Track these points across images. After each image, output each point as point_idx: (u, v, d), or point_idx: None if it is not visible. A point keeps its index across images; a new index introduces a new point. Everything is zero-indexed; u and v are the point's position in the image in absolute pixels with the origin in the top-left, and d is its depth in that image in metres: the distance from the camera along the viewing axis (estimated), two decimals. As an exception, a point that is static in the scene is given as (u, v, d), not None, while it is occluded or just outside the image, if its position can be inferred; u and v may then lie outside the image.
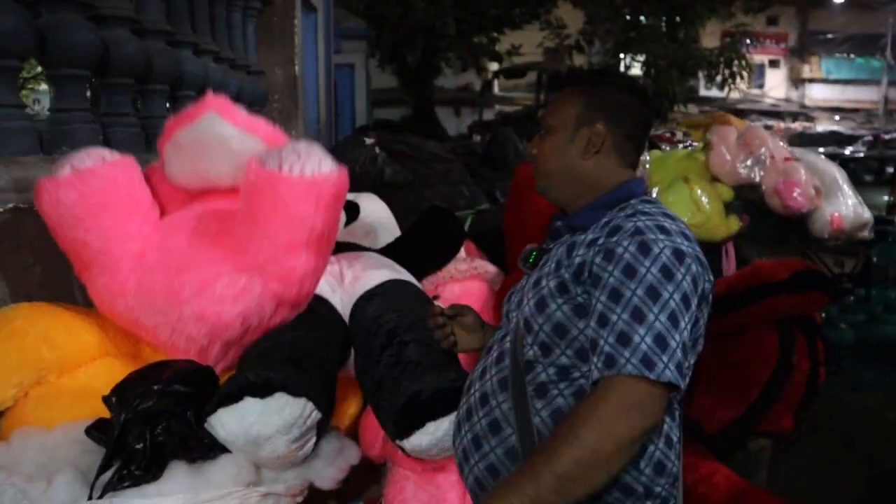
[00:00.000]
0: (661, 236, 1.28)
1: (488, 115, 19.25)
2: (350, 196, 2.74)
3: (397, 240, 2.37)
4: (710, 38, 16.09)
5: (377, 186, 4.45)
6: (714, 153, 2.52)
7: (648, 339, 1.20)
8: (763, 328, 2.26)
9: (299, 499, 1.81)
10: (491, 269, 2.74)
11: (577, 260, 1.32)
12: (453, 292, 2.60)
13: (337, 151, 4.56)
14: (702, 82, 16.47)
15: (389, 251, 2.31)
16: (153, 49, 2.66)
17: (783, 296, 2.20)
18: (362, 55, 11.12)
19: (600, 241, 1.31)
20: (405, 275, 2.10)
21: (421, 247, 2.37)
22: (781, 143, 2.66)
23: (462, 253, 2.86)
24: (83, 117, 2.30)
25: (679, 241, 1.29)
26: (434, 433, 1.56)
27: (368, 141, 4.64)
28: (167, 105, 2.97)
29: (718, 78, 13.92)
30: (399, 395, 1.61)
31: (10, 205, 1.87)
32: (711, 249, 2.61)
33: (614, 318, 1.23)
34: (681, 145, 2.70)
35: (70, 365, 1.81)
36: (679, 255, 1.27)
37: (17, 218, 1.88)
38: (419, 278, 2.45)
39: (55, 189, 1.68)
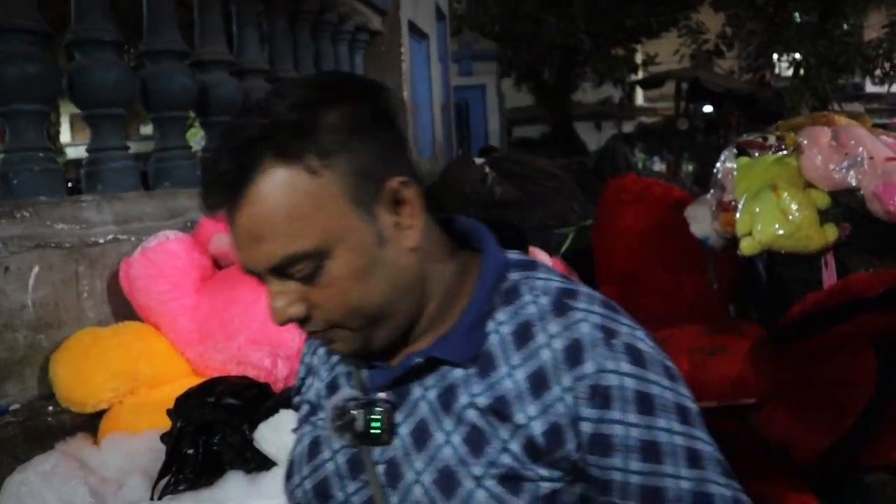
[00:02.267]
0: (626, 325, 0.81)
1: (629, 127, 18.86)
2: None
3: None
4: (874, 30, 14.93)
5: (489, 206, 4.53)
6: (805, 157, 2.35)
7: (721, 480, 0.80)
8: (859, 350, 2.08)
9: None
10: (577, 286, 2.72)
11: (538, 425, 0.77)
12: (537, 310, 2.61)
13: (448, 173, 4.69)
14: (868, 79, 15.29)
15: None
16: (252, 87, 2.87)
17: (878, 313, 2.02)
18: (493, 76, 11.28)
19: (565, 381, 0.77)
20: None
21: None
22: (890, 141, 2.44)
23: (549, 270, 2.86)
24: (183, 154, 2.53)
25: (630, 320, 0.84)
26: None
27: (478, 161, 4.73)
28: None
29: (878, 72, 12.86)
30: None
31: (111, 236, 2.09)
32: (808, 261, 2.44)
33: (669, 484, 0.78)
34: (772, 150, 2.50)
35: (161, 381, 2.03)
36: (653, 339, 0.84)
37: (118, 247, 2.10)
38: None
39: (127, 267, 2.02)
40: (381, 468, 0.83)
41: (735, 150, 2.60)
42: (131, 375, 1.97)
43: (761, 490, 1.97)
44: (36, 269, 1.89)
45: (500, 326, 0.81)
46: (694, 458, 0.79)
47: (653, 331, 2.39)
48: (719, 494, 0.78)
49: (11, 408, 1.83)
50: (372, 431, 0.82)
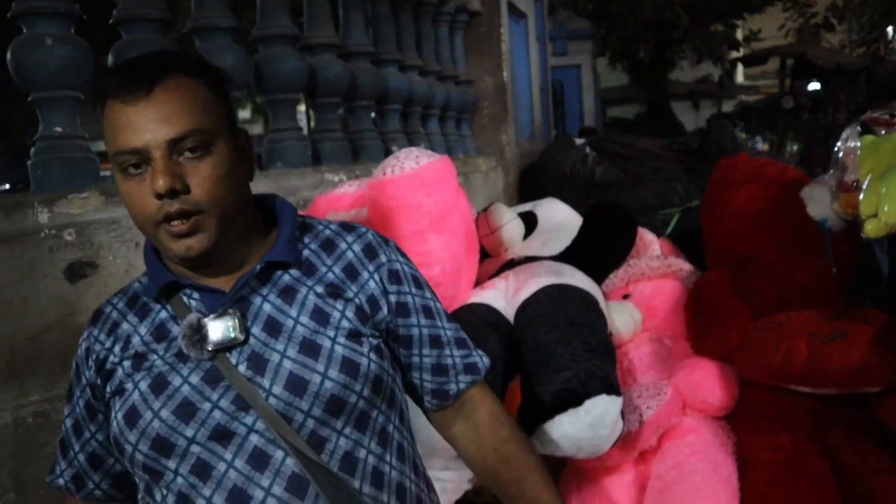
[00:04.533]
0: (390, 239, 1.25)
1: (729, 106, 18.18)
2: (529, 206, 2.82)
3: (573, 242, 2.40)
4: None
5: (588, 186, 4.46)
6: (938, 135, 2.22)
7: (465, 332, 1.26)
8: None
9: (467, 487, 1.92)
10: (686, 267, 2.67)
11: (362, 297, 1.10)
12: (644, 291, 2.57)
13: (547, 154, 4.64)
14: None
15: (567, 255, 2.34)
16: (357, 69, 2.92)
17: None
18: (588, 55, 11.06)
19: (370, 268, 1.13)
20: (573, 278, 2.12)
21: (592, 246, 2.37)
22: None
23: (656, 250, 2.81)
24: (294, 135, 2.60)
25: None
26: (550, 433, 1.61)
27: (579, 142, 4.66)
28: (374, 119, 3.24)
29: None
30: (523, 402, 1.68)
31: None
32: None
33: (442, 332, 1.20)
34: (900, 128, 2.36)
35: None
36: None
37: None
38: (602, 276, 2.45)
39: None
40: (242, 367, 1.02)
41: (859, 128, 2.48)
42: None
43: (886, 484, 1.89)
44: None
45: (308, 244, 1.14)
46: (449, 318, 1.23)
47: (767, 314, 2.30)
48: (469, 339, 1.24)
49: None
50: (230, 335, 1.02)
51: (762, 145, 14.10)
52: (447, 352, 1.19)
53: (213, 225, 1.02)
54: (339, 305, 1.08)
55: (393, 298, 1.14)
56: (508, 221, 2.54)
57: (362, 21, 3.10)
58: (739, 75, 21.00)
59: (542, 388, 1.63)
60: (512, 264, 2.36)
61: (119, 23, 2.18)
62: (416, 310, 1.17)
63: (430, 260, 1.87)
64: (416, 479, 1.15)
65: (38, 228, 1.80)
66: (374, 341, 1.10)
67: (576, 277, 2.16)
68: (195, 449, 1.01)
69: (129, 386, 1.05)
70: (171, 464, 1.02)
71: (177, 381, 1.03)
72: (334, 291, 1.09)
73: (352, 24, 3.04)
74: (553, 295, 1.99)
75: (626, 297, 2.51)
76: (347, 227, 1.19)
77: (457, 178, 1.96)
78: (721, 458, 1.95)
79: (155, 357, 1.06)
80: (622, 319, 2.29)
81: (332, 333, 1.05)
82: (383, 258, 1.16)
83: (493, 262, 2.52)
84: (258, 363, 1.02)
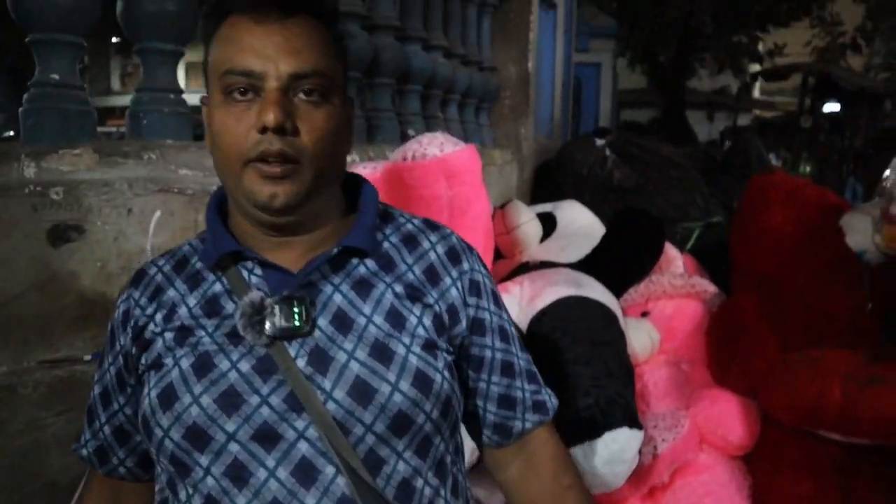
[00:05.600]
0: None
1: (744, 120, 18.01)
2: (549, 206, 2.66)
3: (594, 250, 2.24)
4: None
5: (606, 190, 4.30)
6: None
7: (533, 364, 1.11)
8: None
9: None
10: (710, 288, 2.52)
11: (442, 305, 0.97)
12: (664, 311, 2.43)
13: (565, 152, 4.48)
14: None
15: (586, 263, 2.19)
16: (381, 44, 2.75)
17: None
18: (610, 54, 10.86)
19: (453, 274, 1.00)
20: (593, 290, 1.97)
21: (616, 255, 2.22)
22: None
23: (679, 267, 2.66)
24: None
25: None
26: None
27: (599, 142, 4.50)
28: (393, 99, 3.06)
29: None
30: None
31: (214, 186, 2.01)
32: None
33: (516, 360, 1.06)
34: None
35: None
36: None
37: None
38: (622, 290, 2.30)
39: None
40: (301, 361, 0.89)
41: (911, 158, 2.33)
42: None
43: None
44: (158, 213, 1.82)
45: (388, 236, 1.01)
46: (522, 345, 1.08)
47: (795, 345, 2.15)
48: (537, 373, 1.09)
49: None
50: (295, 323, 0.89)
51: (776, 163, 13.95)
52: (518, 383, 1.05)
53: (308, 179, 0.90)
54: (417, 310, 0.95)
55: (471, 312, 1.01)
56: (526, 222, 2.39)
57: (390, -7, 2.93)
58: (756, 89, 20.80)
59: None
60: (526, 268, 2.21)
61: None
62: (492, 329, 1.03)
63: None
64: None
65: (22, 183, 1.65)
66: (449, 357, 0.97)
67: (595, 290, 2.01)
68: (234, 447, 0.88)
69: (169, 361, 0.92)
70: (204, 460, 0.89)
71: (224, 364, 0.90)
72: (413, 294, 0.96)
73: (379, -4, 2.86)
74: (573, 307, 1.84)
75: (644, 314, 2.36)
76: (431, 224, 1.05)
77: (481, 171, 1.80)
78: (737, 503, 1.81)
79: (202, 333, 0.92)
80: (639, 339, 2.15)
81: (407, 340, 0.92)
82: (466, 266, 1.02)
83: (505, 263, 2.38)
84: (321, 360, 0.89)
